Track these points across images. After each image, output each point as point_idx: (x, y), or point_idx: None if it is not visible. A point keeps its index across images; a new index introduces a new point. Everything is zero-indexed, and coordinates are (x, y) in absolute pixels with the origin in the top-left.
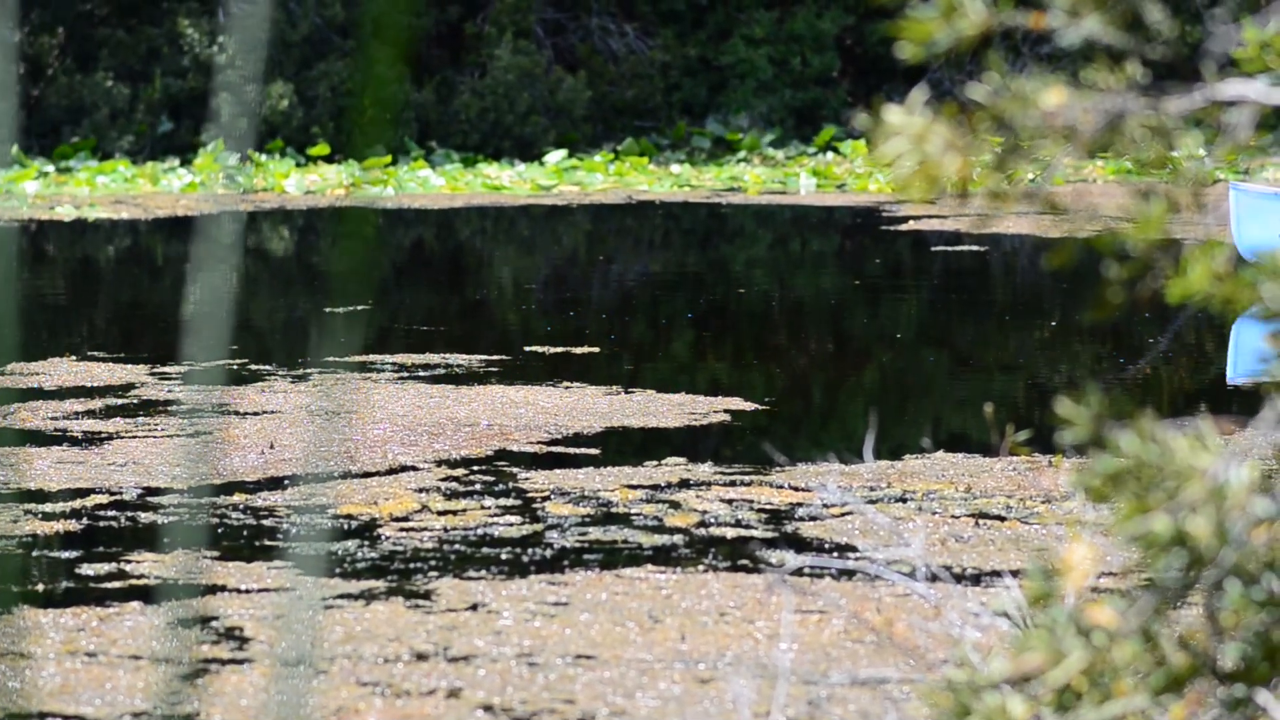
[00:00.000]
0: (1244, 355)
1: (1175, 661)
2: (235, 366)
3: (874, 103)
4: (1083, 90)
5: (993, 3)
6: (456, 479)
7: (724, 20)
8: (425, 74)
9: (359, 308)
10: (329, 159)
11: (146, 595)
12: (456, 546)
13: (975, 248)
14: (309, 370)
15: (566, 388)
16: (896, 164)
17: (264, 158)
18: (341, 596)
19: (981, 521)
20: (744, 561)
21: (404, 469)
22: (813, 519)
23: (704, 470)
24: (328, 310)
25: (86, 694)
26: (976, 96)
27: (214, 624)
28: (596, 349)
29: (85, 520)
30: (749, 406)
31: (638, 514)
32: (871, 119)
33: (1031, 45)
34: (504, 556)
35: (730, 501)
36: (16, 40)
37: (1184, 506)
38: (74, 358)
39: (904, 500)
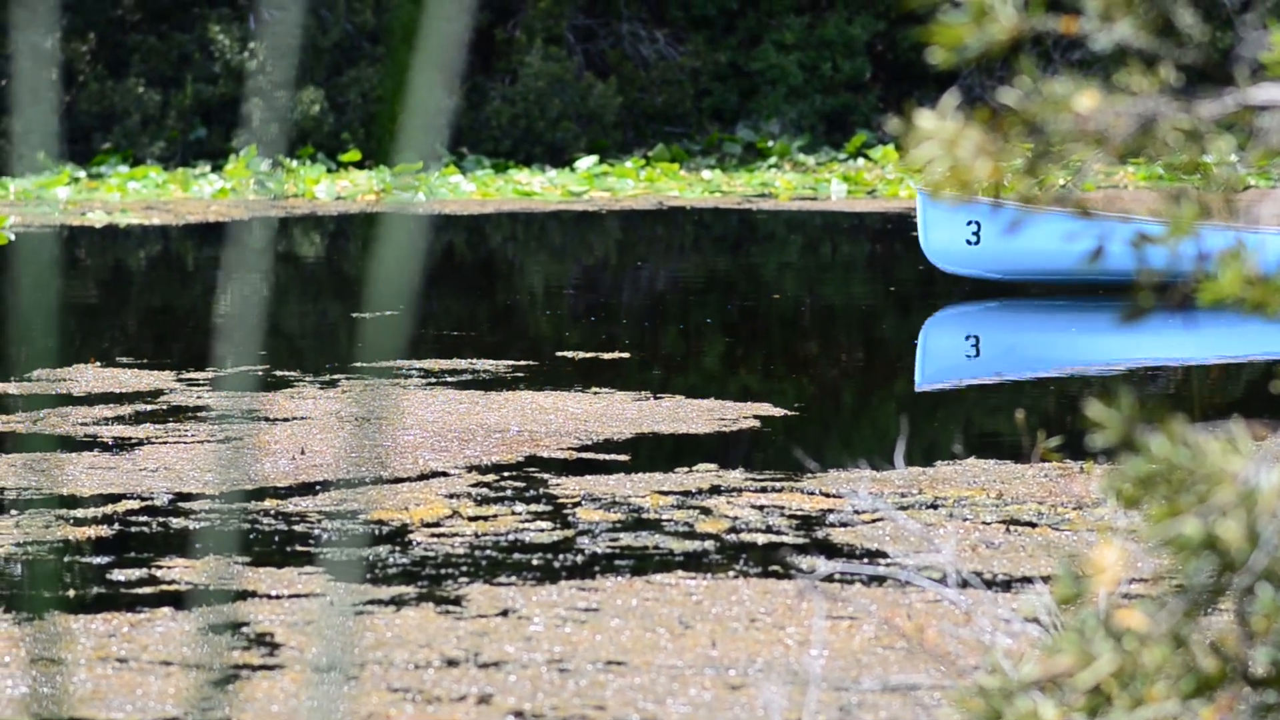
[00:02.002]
0: (931, 362)
1: (1206, 666)
2: (266, 372)
3: (905, 108)
4: (1114, 94)
5: (1024, 7)
6: (487, 485)
7: (755, 26)
8: (456, 80)
9: (389, 313)
10: (360, 165)
11: (178, 601)
12: (487, 552)
13: None
14: (339, 376)
15: (596, 393)
16: (928, 169)
17: (295, 164)
18: (372, 602)
19: (1013, 527)
20: (775, 567)
21: (435, 475)
22: (844, 525)
23: (735, 476)
24: (358, 316)
25: (118, 700)
26: (1008, 101)
27: (245, 630)
28: (626, 355)
29: (117, 525)
30: (780, 412)
31: (668, 520)
32: (903, 124)
33: (1063, 50)
34: (535, 562)
35: (761, 507)
36: (49, 46)
37: (1215, 510)
38: (104, 363)
39: (935, 506)
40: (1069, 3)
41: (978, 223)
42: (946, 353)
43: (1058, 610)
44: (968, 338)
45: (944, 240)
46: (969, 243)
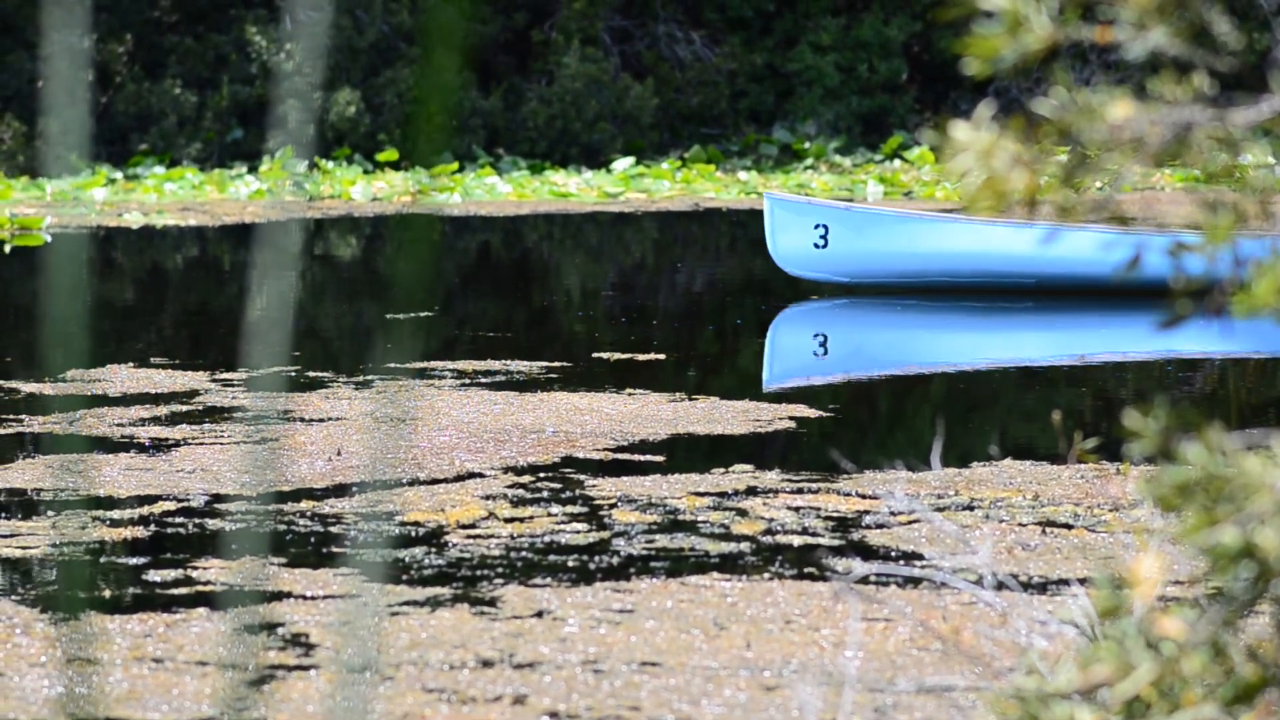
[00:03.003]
0: (780, 360)
1: (1244, 672)
2: (301, 373)
3: (941, 114)
4: (1149, 102)
5: (1058, 17)
6: (523, 486)
7: (791, 27)
8: (492, 81)
9: (424, 314)
10: (396, 165)
11: (213, 601)
12: (522, 553)
13: None
14: (374, 377)
15: (631, 395)
16: (964, 179)
17: (330, 165)
18: (407, 603)
19: (1049, 529)
20: (810, 569)
21: (470, 476)
22: (880, 527)
23: (771, 477)
24: (393, 317)
25: (153, 700)
26: (1043, 110)
27: (280, 630)
28: (662, 356)
29: (152, 526)
30: (815, 414)
31: (704, 521)
32: (939, 134)
33: (1099, 54)
34: (570, 563)
35: (797, 509)
36: (86, 47)
37: (1253, 518)
38: (140, 364)
39: (971, 508)
40: (1104, 11)
41: (825, 226)
42: (793, 352)
43: (1096, 617)
44: (815, 335)
45: (791, 244)
46: (816, 246)
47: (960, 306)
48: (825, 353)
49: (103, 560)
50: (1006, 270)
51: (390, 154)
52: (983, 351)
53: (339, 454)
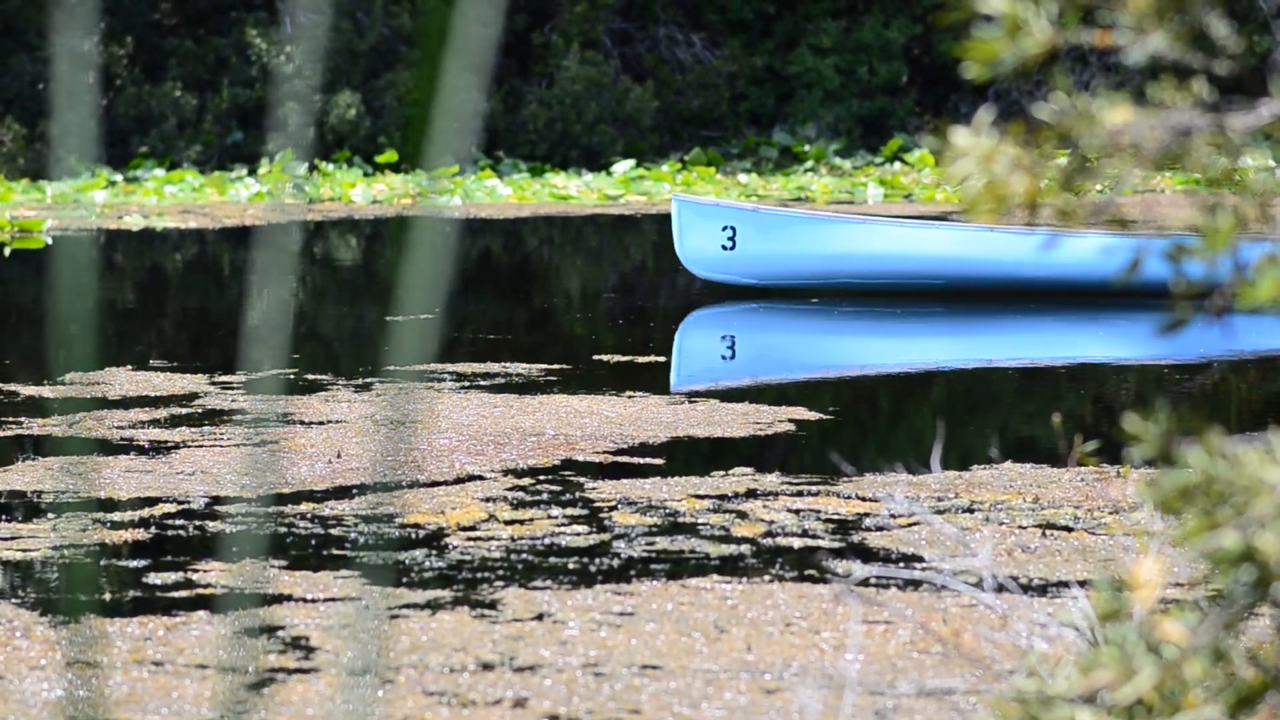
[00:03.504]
0: (687, 363)
1: (1246, 676)
2: (301, 376)
3: (941, 116)
4: (1149, 107)
5: (1058, 20)
6: (523, 488)
7: (791, 30)
8: (493, 84)
9: (425, 317)
10: (396, 168)
11: (213, 604)
12: (523, 556)
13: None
14: (374, 379)
15: (631, 397)
16: (964, 185)
17: (330, 167)
18: (408, 606)
19: (1049, 532)
20: (811, 571)
21: (471, 478)
22: (880, 529)
23: (771, 480)
24: (393, 319)
25: (153, 703)
26: (1043, 115)
27: (280, 633)
28: (662, 358)
29: (153, 529)
30: (815, 416)
31: (704, 524)
32: (939, 140)
33: (1099, 58)
34: (570, 566)
35: (797, 511)
36: (87, 49)
37: (1253, 522)
38: (140, 367)
39: (971, 510)
40: (1104, 15)
41: (733, 228)
42: (701, 354)
43: (1096, 619)
44: (723, 338)
45: (699, 246)
46: (724, 248)
47: (869, 310)
48: (733, 355)
49: (103, 563)
50: (916, 272)
51: (390, 156)
52: (892, 355)
53: (339, 456)
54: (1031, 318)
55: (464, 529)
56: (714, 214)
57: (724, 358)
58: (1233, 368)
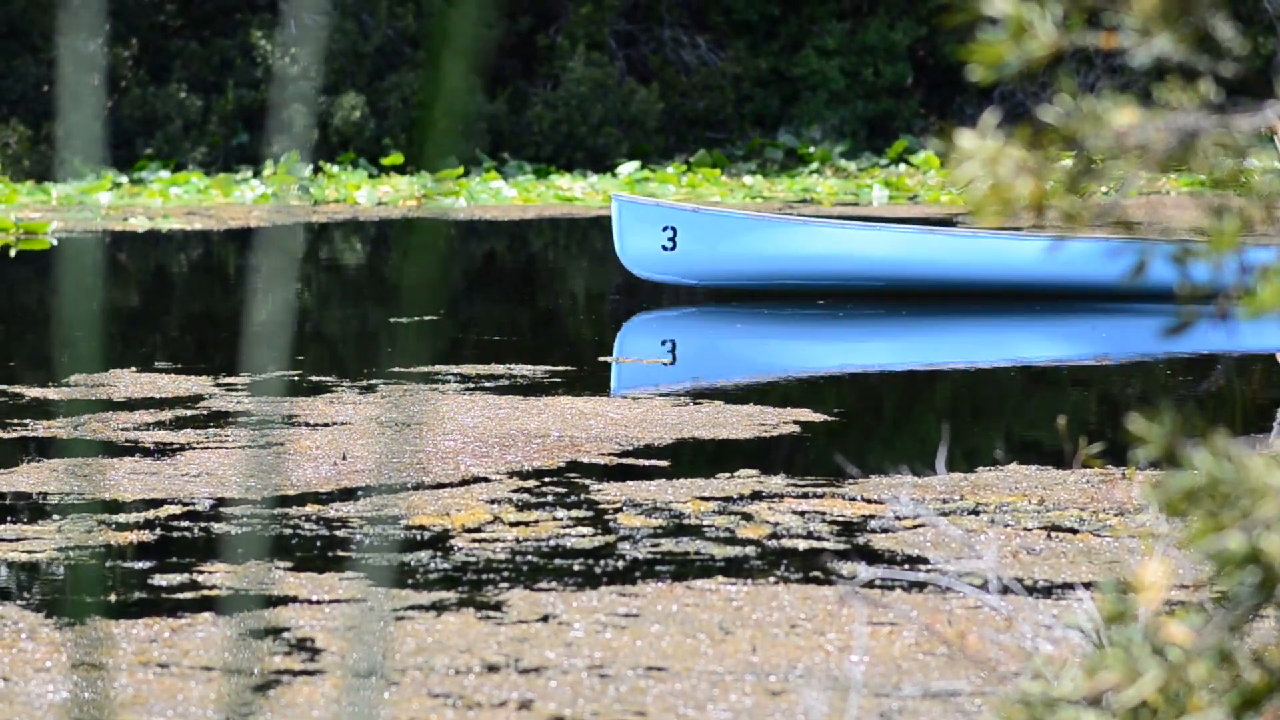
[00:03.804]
0: (628, 367)
1: (1251, 678)
2: (306, 377)
3: (947, 118)
4: (1154, 109)
5: (1063, 23)
6: (528, 490)
7: (796, 31)
8: (498, 85)
9: (429, 319)
10: (401, 170)
11: (219, 606)
12: (528, 557)
13: None
14: (379, 381)
15: (636, 399)
16: (970, 188)
17: (335, 169)
18: (413, 608)
19: (1054, 534)
20: (816, 573)
21: (476, 480)
22: (885, 531)
23: (776, 482)
24: (398, 321)
25: (159, 705)
26: (1048, 118)
27: (286, 635)
28: (667, 360)
29: (158, 531)
30: (820, 418)
31: (709, 525)
32: (944, 142)
33: (1104, 59)
34: (575, 567)
35: (802, 513)
36: (93, 51)
37: (1258, 524)
38: (145, 369)
39: (976, 512)
40: (1109, 17)
41: (674, 228)
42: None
43: (1101, 621)
44: (663, 342)
45: (640, 246)
46: (665, 248)
47: (810, 313)
48: (673, 360)
49: (108, 564)
50: (856, 273)
51: (396, 158)
52: (835, 358)
53: (344, 458)
54: (973, 319)
55: (469, 530)
56: (654, 214)
57: (665, 363)
58: (1215, 369)
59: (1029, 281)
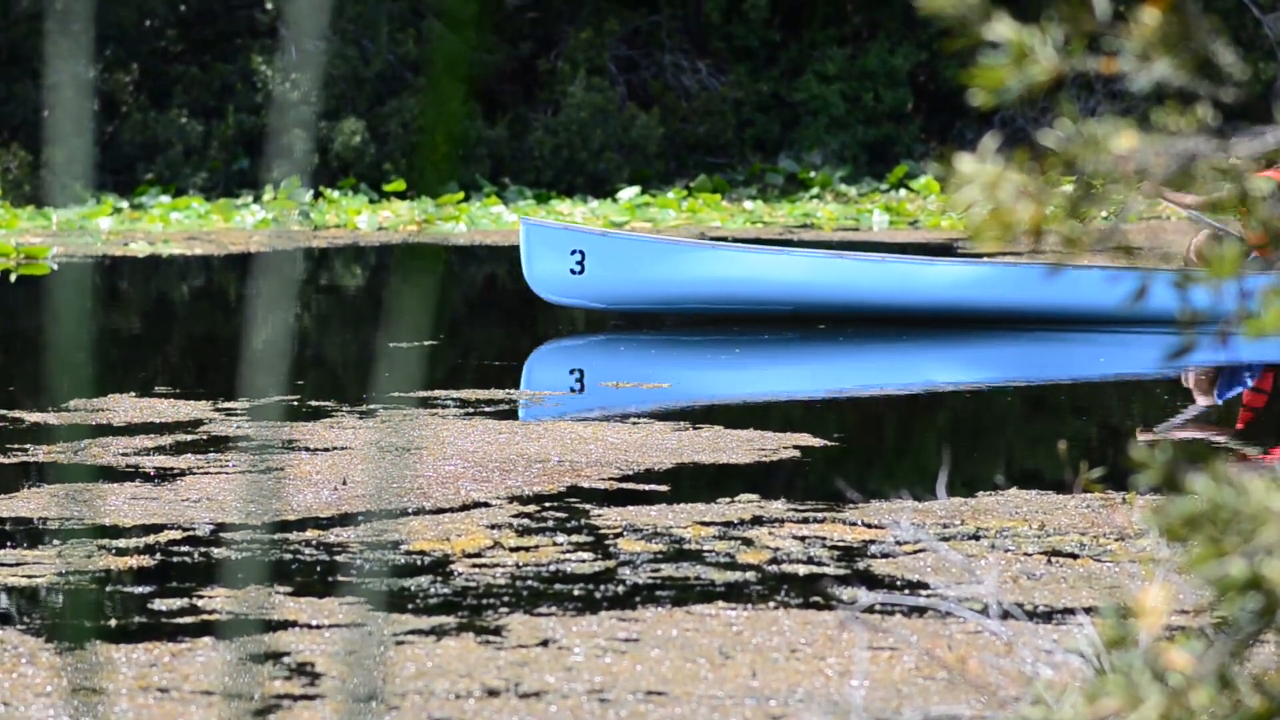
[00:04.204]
0: (534, 389)
1: (1252, 704)
2: (305, 402)
3: (947, 143)
4: (1154, 134)
5: (1063, 48)
6: (528, 515)
7: (797, 57)
8: (498, 111)
9: (429, 343)
10: (402, 195)
11: (219, 630)
12: (528, 582)
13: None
14: (379, 406)
15: (635, 424)
16: (970, 212)
17: (335, 194)
18: (412, 632)
19: (1054, 559)
20: (816, 598)
21: (475, 505)
22: (885, 556)
23: (776, 507)
24: (397, 346)
25: None
26: (1048, 142)
27: (285, 659)
28: (666, 384)
29: (158, 555)
30: (820, 443)
31: (709, 550)
32: (944, 166)
33: (1104, 84)
34: (576, 592)
35: (802, 538)
36: (91, 76)
37: (1259, 550)
38: (145, 393)
39: (977, 537)
40: (1109, 41)
41: (582, 252)
42: (548, 387)
43: (1102, 646)
44: (571, 371)
45: (547, 270)
46: (573, 272)
47: (722, 338)
48: (581, 388)
49: (108, 589)
50: (765, 297)
51: (398, 184)
52: (749, 385)
53: (344, 483)
54: (877, 342)
55: (469, 555)
56: (562, 238)
57: (572, 390)
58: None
59: (939, 306)
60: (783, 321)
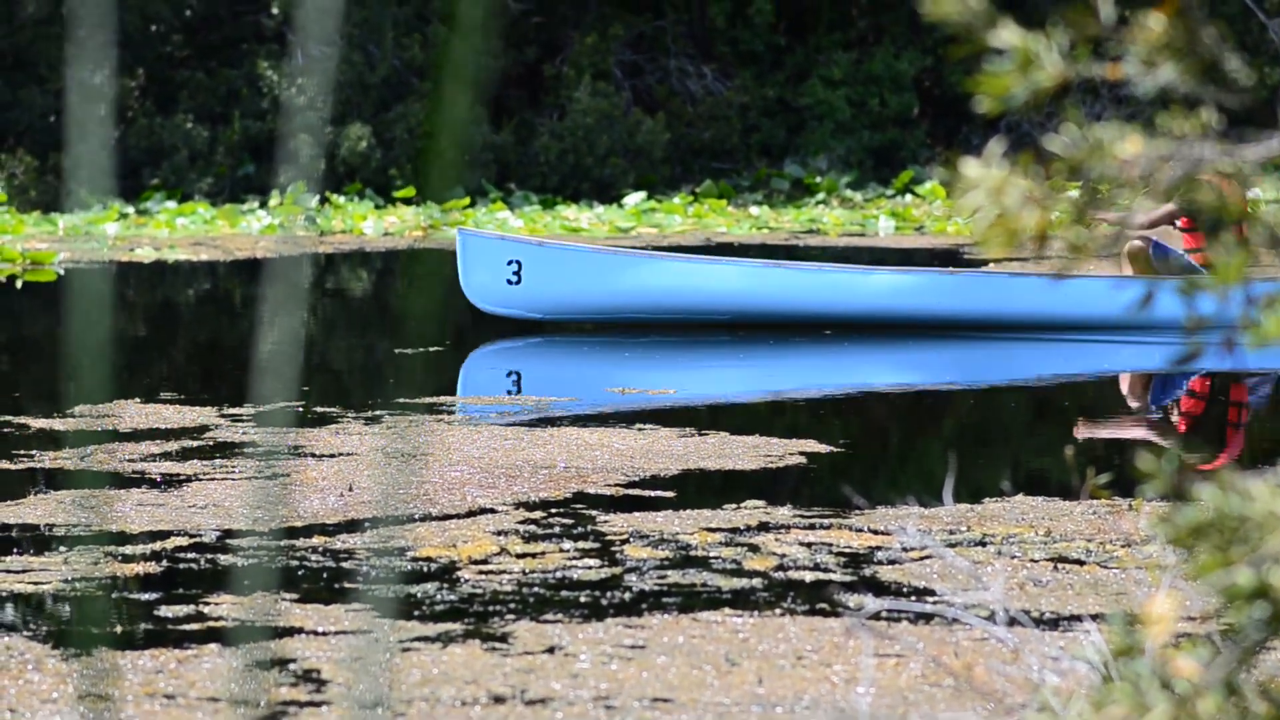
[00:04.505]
0: (471, 394)
1: (1258, 711)
2: (311, 408)
3: (953, 148)
4: (1160, 138)
5: (1069, 52)
6: (534, 521)
7: (802, 61)
8: (504, 116)
9: (435, 349)
10: (408, 200)
11: (225, 637)
12: (534, 589)
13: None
14: (385, 412)
15: (641, 430)
16: (975, 217)
17: (341, 199)
18: (419, 639)
19: (1061, 565)
20: (822, 605)
21: (482, 511)
22: (891, 562)
23: (783, 513)
24: (403, 352)
25: None
26: (1054, 147)
27: (291, 666)
28: (672, 390)
29: (164, 562)
30: (826, 449)
31: (716, 557)
32: (949, 171)
33: (1110, 90)
34: (582, 599)
35: (809, 544)
36: (99, 82)
37: (1266, 558)
38: (152, 399)
39: (983, 544)
40: (1114, 47)
41: (518, 262)
42: (485, 389)
43: (1109, 654)
44: (509, 374)
45: (484, 280)
46: (510, 282)
47: (660, 341)
48: (518, 390)
49: (115, 596)
50: (701, 307)
51: (408, 191)
52: (685, 387)
53: (350, 489)
54: (815, 348)
55: (475, 562)
56: (499, 248)
57: (509, 393)
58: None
59: (871, 313)
60: (720, 329)
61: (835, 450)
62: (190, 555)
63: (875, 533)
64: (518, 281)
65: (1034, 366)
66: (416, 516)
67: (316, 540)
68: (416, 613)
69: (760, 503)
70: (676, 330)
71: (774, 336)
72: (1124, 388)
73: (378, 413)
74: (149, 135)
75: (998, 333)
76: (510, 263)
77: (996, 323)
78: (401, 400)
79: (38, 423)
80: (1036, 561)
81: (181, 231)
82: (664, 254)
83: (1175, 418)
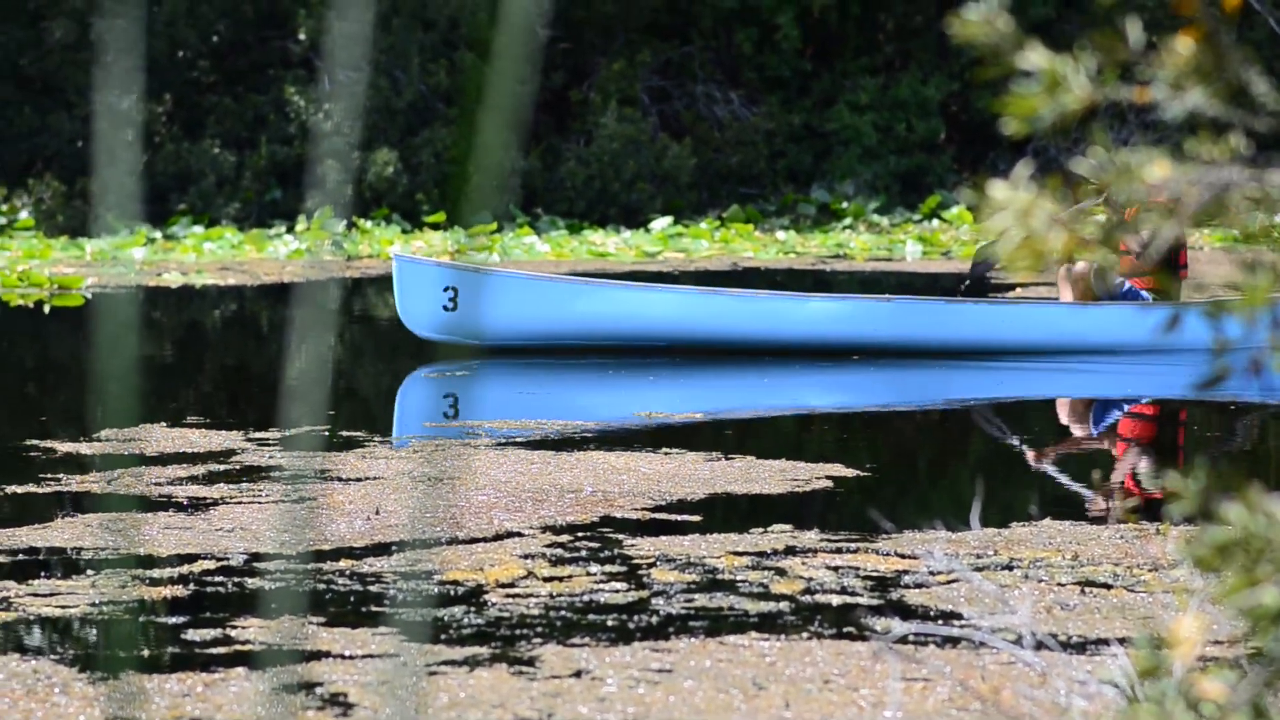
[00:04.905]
0: (408, 421)
1: None
2: (338, 432)
3: (980, 173)
4: (1187, 163)
5: (1097, 76)
6: (561, 545)
7: (829, 87)
8: (531, 141)
9: (460, 374)
10: (434, 225)
11: (252, 661)
12: (561, 613)
13: None
14: (411, 436)
15: (667, 454)
16: (1002, 240)
17: (368, 224)
18: (446, 662)
19: (1088, 589)
20: (849, 628)
21: (509, 535)
22: (919, 586)
23: (809, 537)
24: (429, 375)
25: None
26: (1081, 170)
27: (319, 690)
28: (698, 415)
29: (192, 585)
30: (853, 473)
31: (743, 580)
32: (976, 194)
33: (1137, 114)
34: (609, 623)
35: (836, 568)
36: (126, 107)
37: None
38: (178, 423)
39: (1011, 568)
40: (1142, 71)
41: (454, 288)
42: (422, 414)
43: (1135, 676)
44: (445, 397)
45: (420, 306)
46: (446, 308)
47: (598, 365)
48: (455, 414)
49: (141, 619)
50: (637, 334)
51: (438, 217)
52: (622, 409)
53: (377, 513)
54: (754, 371)
55: (502, 586)
56: (435, 275)
57: (446, 415)
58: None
59: (807, 340)
60: (656, 355)
61: (862, 474)
62: (217, 579)
63: (902, 556)
64: (454, 308)
65: (989, 386)
66: (443, 540)
67: (344, 564)
68: (444, 636)
69: (787, 526)
70: (622, 355)
71: (796, 360)
72: (1062, 410)
73: (405, 437)
74: (176, 160)
75: (934, 359)
76: (446, 289)
77: (933, 349)
78: (429, 424)
79: (65, 446)
80: (1064, 585)
81: (208, 256)
82: (601, 281)
83: (1116, 442)
